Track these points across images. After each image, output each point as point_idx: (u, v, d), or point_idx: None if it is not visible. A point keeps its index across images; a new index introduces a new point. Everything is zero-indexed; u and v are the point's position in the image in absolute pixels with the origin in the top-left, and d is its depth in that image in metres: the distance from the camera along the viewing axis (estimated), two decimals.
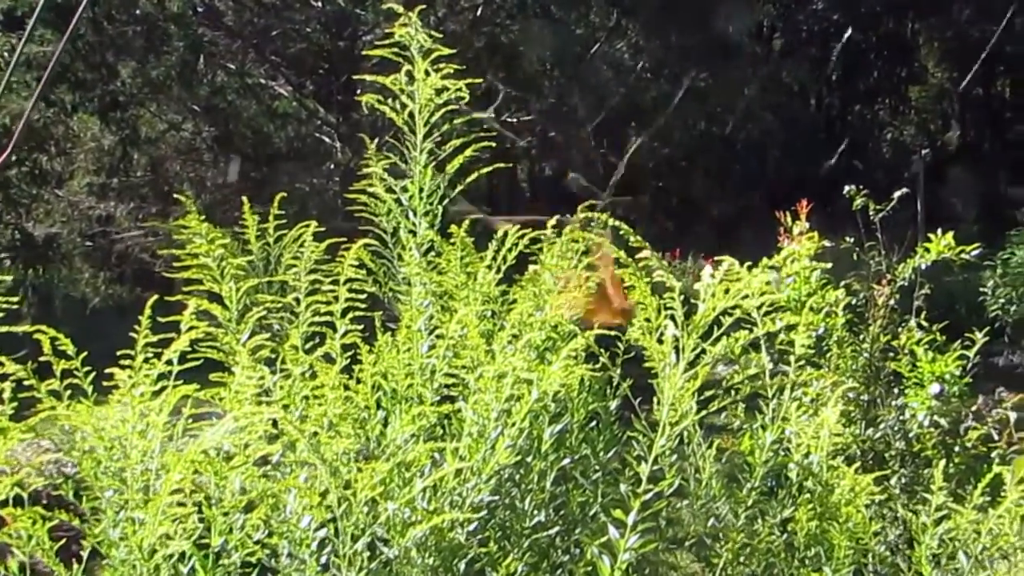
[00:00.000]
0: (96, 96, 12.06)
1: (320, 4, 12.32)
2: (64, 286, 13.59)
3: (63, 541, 2.18)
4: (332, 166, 11.68)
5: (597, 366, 2.75)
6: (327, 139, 12.46)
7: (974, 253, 3.90)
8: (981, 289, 12.69)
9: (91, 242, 12.67)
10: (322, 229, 2.87)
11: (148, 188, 12.48)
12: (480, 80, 2.88)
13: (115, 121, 12.27)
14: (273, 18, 12.44)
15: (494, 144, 2.88)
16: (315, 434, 2.12)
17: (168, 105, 12.44)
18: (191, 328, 2.26)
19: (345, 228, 2.89)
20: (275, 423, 2.32)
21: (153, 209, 12.08)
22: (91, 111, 12.37)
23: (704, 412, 2.34)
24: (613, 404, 2.89)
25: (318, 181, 11.56)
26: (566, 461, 2.74)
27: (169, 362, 2.22)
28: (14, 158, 11.06)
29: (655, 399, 2.14)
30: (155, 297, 2.31)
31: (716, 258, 2.32)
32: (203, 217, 2.81)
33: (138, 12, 12.21)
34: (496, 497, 2.48)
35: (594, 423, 2.85)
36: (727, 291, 1.99)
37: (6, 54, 11.22)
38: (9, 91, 11.83)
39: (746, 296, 2.10)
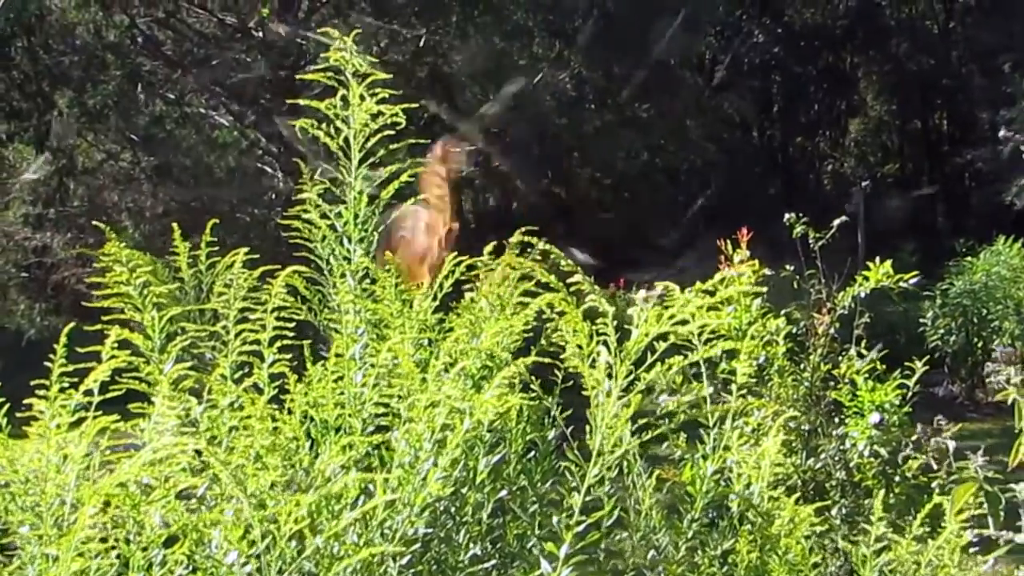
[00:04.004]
0: (32, 126, 11.89)
1: (261, 34, 12.25)
2: (0, 318, 13.36)
3: None
4: (273, 195, 11.59)
5: (534, 394, 2.70)
6: (269, 168, 12.36)
7: (913, 282, 3.89)
8: (921, 319, 12.79)
9: (27, 273, 12.47)
10: (256, 256, 2.81)
11: (85, 218, 12.30)
12: (415, 105, 2.83)
13: (52, 151, 12.10)
14: (214, 48, 12.34)
15: None
16: (240, 466, 2.05)
17: (106, 135, 12.29)
18: (112, 358, 2.19)
19: (287, 256, 2.83)
20: (199, 455, 2.25)
21: (91, 239, 11.90)
22: (27, 141, 12.20)
23: (639, 439, 2.29)
24: (551, 434, 2.83)
25: (259, 210, 11.46)
26: (503, 493, 2.68)
27: (89, 393, 2.14)
28: None
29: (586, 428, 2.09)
30: (71, 325, 2.23)
31: (653, 282, 2.28)
32: (137, 246, 2.74)
33: (76, 42, 12.07)
34: (431, 530, 2.41)
35: (532, 453, 2.80)
36: (659, 316, 1.94)
37: None
38: None
39: (683, 321, 2.05)
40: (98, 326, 2.43)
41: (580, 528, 2.04)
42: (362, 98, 2.71)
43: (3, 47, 10.95)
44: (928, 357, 4.06)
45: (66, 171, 12.15)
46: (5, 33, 9.80)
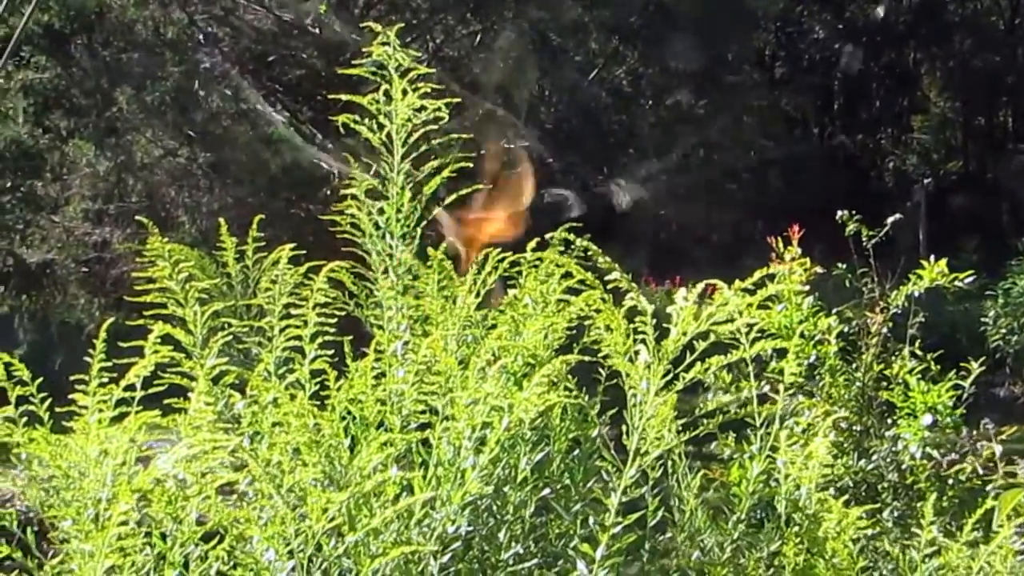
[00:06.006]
0: (91, 122, 12.01)
1: (318, 30, 12.29)
2: (61, 313, 13.50)
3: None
4: (328, 192, 11.62)
5: (576, 393, 2.66)
6: (324, 165, 12.39)
7: (968, 281, 3.81)
8: (982, 319, 12.61)
9: (86, 268, 12.59)
10: (308, 252, 2.80)
11: (144, 214, 12.38)
12: (456, 99, 2.81)
13: (110, 147, 12.20)
14: (270, 44, 12.41)
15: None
16: (277, 463, 2.04)
17: (164, 131, 12.38)
18: (154, 353, 2.20)
19: (341, 253, 2.83)
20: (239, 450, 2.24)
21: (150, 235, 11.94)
22: (86, 137, 12.31)
23: (681, 439, 2.26)
24: (594, 432, 2.79)
25: (314, 206, 11.50)
26: (546, 491, 2.65)
27: (131, 387, 2.14)
28: (8, 184, 11.05)
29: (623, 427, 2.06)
30: (110, 321, 2.23)
31: (707, 282, 2.24)
32: (194, 242, 2.76)
33: (142, 39, 12.19)
34: (471, 528, 2.39)
35: (576, 452, 2.76)
36: (697, 315, 1.90)
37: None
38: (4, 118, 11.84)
39: (724, 320, 2.02)
40: (147, 321, 2.43)
41: (617, 529, 2.01)
42: (404, 93, 2.70)
43: (63, 44, 11.10)
44: (990, 357, 3.97)
45: (124, 167, 12.27)
46: (65, 31, 9.93)
